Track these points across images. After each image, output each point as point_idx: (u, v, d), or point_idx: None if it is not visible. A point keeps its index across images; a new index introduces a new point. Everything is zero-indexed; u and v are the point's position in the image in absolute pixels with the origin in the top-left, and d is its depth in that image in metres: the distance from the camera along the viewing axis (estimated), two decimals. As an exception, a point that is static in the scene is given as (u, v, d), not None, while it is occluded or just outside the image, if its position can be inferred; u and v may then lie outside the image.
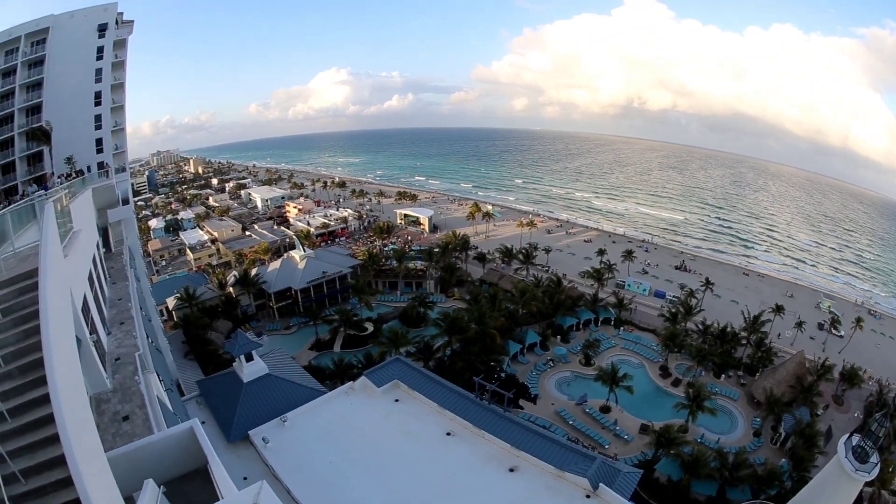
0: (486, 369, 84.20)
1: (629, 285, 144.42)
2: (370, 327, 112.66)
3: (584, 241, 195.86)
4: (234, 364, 56.42)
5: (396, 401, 50.01)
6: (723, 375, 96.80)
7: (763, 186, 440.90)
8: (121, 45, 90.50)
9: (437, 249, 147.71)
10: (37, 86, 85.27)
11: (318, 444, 44.10)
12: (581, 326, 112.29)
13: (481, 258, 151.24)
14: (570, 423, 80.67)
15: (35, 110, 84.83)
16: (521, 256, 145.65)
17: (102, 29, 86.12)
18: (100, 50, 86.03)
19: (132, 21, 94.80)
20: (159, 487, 11.70)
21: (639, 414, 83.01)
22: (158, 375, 30.47)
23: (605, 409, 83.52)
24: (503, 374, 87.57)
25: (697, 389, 78.93)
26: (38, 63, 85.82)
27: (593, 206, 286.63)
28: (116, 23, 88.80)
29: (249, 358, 54.71)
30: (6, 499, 10.93)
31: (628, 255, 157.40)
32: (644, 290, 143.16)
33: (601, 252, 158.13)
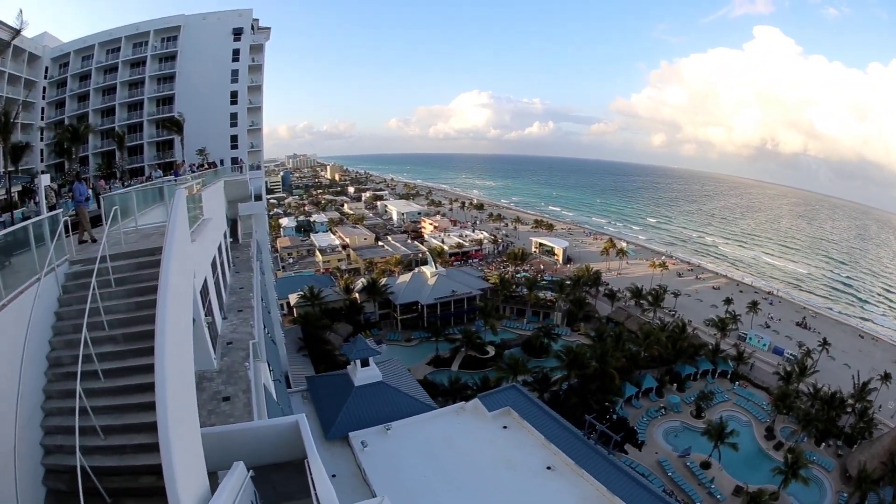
0: (600, 409, 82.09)
1: (750, 338, 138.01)
2: (491, 351, 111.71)
3: (713, 287, 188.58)
4: (348, 367, 57.21)
5: (505, 427, 49.20)
6: (823, 444, 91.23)
7: (885, 241, 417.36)
8: (257, 49, 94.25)
9: (568, 282, 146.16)
10: (168, 79, 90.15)
11: (416, 457, 43.87)
12: (698, 376, 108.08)
13: (611, 296, 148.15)
14: (669, 474, 77.89)
15: (167, 101, 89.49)
16: (649, 298, 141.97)
17: (237, 33, 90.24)
18: (235, 52, 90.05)
19: (269, 28, 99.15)
20: (248, 471, 11.70)
21: (736, 474, 79.15)
22: (269, 365, 30.94)
23: (706, 465, 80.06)
24: (615, 416, 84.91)
25: (796, 456, 74.61)
26: (170, 58, 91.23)
27: (722, 252, 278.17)
28: (252, 28, 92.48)
29: (365, 363, 55.22)
30: (79, 447, 11.15)
31: (753, 306, 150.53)
32: (764, 344, 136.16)
33: (727, 301, 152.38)
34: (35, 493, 13.24)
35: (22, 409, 12.63)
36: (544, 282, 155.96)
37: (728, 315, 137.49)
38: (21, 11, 49.42)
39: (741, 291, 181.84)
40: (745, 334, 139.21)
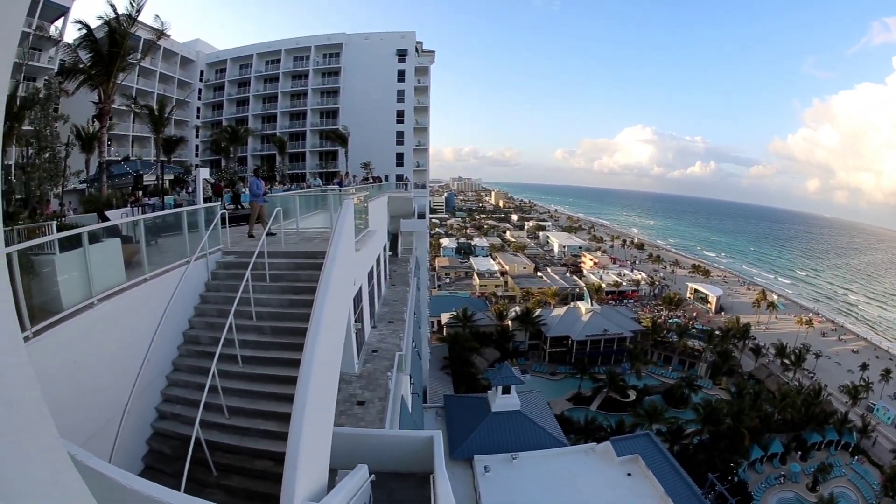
0: (724, 468, 78.55)
1: (878, 410, 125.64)
2: (633, 395, 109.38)
3: (852, 350, 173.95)
4: (488, 392, 57.01)
5: (629, 475, 47.76)
6: None
7: None
8: (422, 71, 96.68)
9: (717, 332, 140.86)
10: (332, 93, 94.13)
11: (535, 490, 43.09)
12: (823, 445, 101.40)
13: (756, 350, 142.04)
14: (776, 546, 73.93)
15: (330, 114, 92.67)
16: (791, 357, 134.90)
17: (402, 54, 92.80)
18: (400, 73, 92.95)
19: (433, 51, 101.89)
20: (370, 475, 11.58)
21: None
22: (411, 378, 31.00)
23: None
24: (736, 479, 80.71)
25: None
26: (333, 73, 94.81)
27: (862, 312, 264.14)
28: (416, 50, 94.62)
29: (506, 390, 54.48)
30: (199, 420, 11.33)
31: (885, 375, 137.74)
32: (889, 418, 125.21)
33: (863, 367, 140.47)
34: (135, 449, 13.96)
35: (145, 373, 13.21)
36: (694, 330, 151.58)
37: (862, 382, 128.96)
38: (157, 17, 52.79)
39: (878, 357, 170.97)
40: (874, 405, 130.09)
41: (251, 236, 24.85)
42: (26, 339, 10.48)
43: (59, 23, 71.28)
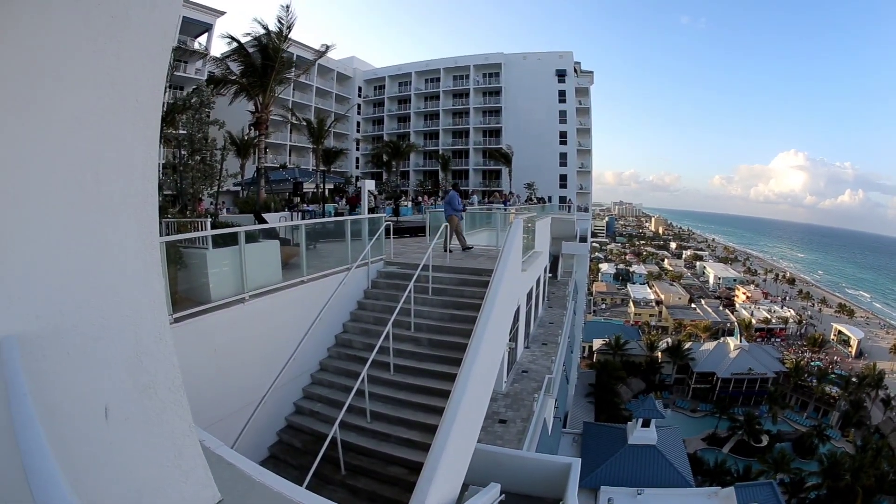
0: None
1: None
2: (765, 440, 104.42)
3: None
4: (628, 423, 56.18)
5: (744, 524, 47.17)
6: None
7: None
8: (583, 92, 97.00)
9: (854, 379, 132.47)
10: (493, 112, 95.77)
11: (651, 528, 42.87)
12: None
13: (886, 402, 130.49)
14: None
15: (493, 133, 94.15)
16: None
17: (561, 74, 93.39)
18: (561, 94, 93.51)
19: (592, 72, 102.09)
20: (500, 495, 11.60)
21: None
22: (556, 401, 30.93)
23: None
24: None
25: None
26: (494, 93, 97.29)
27: None
28: (575, 71, 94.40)
29: (646, 424, 53.69)
30: (340, 419, 11.63)
31: None
32: None
33: None
34: (265, 437, 14.64)
35: (290, 368, 14.20)
36: (833, 375, 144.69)
37: None
38: (325, 44, 54.97)
39: None
40: None
41: (447, 250, 24.79)
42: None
43: (202, 38, 77.72)
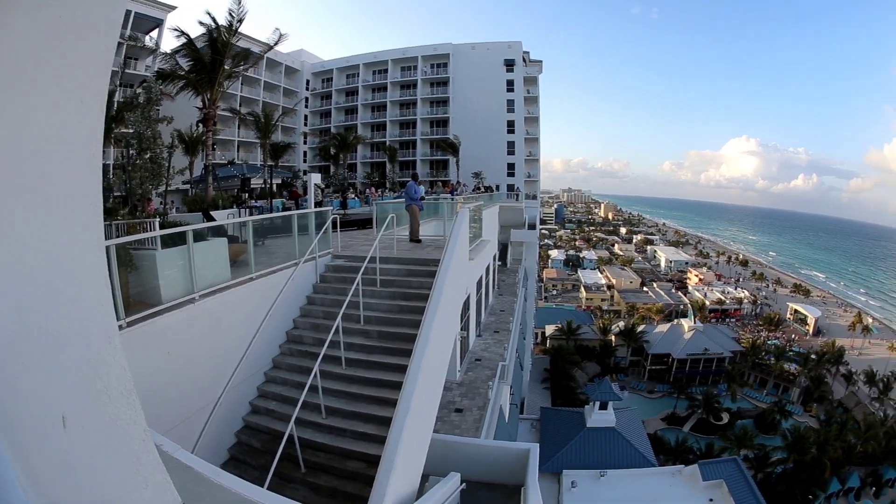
0: (802, 500, 77.16)
1: None
2: (725, 418, 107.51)
3: None
4: (585, 406, 56.86)
5: (711, 501, 47.64)
6: None
7: None
8: (531, 81, 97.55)
9: (813, 356, 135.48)
10: (441, 103, 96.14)
11: (617, 508, 43.30)
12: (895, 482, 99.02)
13: (847, 377, 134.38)
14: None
15: (440, 123, 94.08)
16: (880, 386, 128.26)
17: (509, 64, 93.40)
18: (509, 83, 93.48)
19: (541, 61, 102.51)
20: (461, 484, 11.69)
21: None
22: (511, 388, 31.11)
23: None
24: None
25: None
26: (442, 83, 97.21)
27: None
28: (524, 60, 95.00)
29: (603, 406, 54.46)
30: (295, 417, 11.65)
31: None
32: None
33: None
34: (223, 439, 14.39)
35: (243, 368, 13.84)
36: (791, 353, 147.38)
37: None
38: (278, 30, 54.17)
39: None
40: None
41: (417, 240, 25.43)
42: (119, 328, 11.01)
43: (153, 33, 76.93)
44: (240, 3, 46.40)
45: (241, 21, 46.99)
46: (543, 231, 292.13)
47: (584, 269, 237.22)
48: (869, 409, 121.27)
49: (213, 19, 46.48)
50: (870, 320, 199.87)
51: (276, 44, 57.31)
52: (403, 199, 26.73)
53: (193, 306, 13.45)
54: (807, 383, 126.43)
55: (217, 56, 46.19)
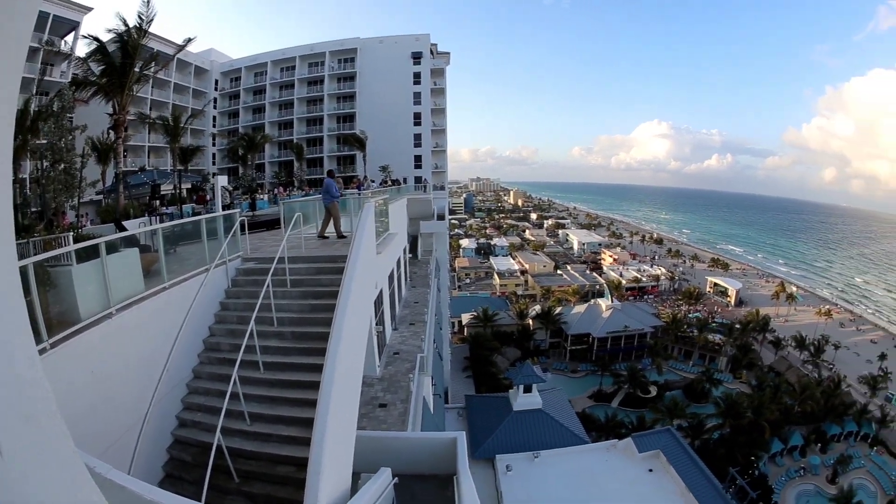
0: (745, 462, 77.89)
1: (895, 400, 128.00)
2: (654, 391, 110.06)
3: (871, 340, 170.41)
4: (509, 391, 57.32)
5: (650, 470, 47.79)
6: None
7: None
8: (438, 73, 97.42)
9: (737, 326, 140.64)
10: (348, 98, 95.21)
11: (557, 488, 43.28)
12: (842, 437, 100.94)
13: (776, 343, 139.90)
14: (792, 539, 72.91)
15: (347, 118, 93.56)
16: (811, 349, 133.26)
17: (417, 57, 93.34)
18: (416, 76, 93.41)
19: (448, 53, 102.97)
20: (393, 478, 11.63)
21: None
22: (432, 379, 31.13)
23: None
24: (757, 472, 79.52)
25: None
26: (348, 78, 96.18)
27: (884, 301, 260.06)
28: (431, 53, 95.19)
29: (528, 389, 54.98)
30: (220, 427, 11.43)
31: None
32: None
33: (882, 357, 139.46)
34: (156, 457, 14.09)
35: (165, 381, 13.36)
36: (714, 324, 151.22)
37: (880, 373, 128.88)
38: (191, 39, 53.55)
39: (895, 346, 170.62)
40: (893, 395, 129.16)
41: (323, 237, 25.47)
42: (43, 350, 10.74)
43: (69, 37, 73.04)
44: (148, 3, 45.44)
45: (150, 22, 46.05)
46: (453, 221, 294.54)
47: (496, 256, 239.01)
48: (802, 371, 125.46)
49: (124, 21, 45.45)
50: (794, 289, 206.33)
51: (185, 44, 56.26)
52: (320, 197, 26.63)
53: (111, 321, 13.13)
54: (733, 352, 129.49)
55: (127, 60, 45.19)
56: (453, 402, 62.85)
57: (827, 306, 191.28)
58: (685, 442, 59.37)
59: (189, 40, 54.82)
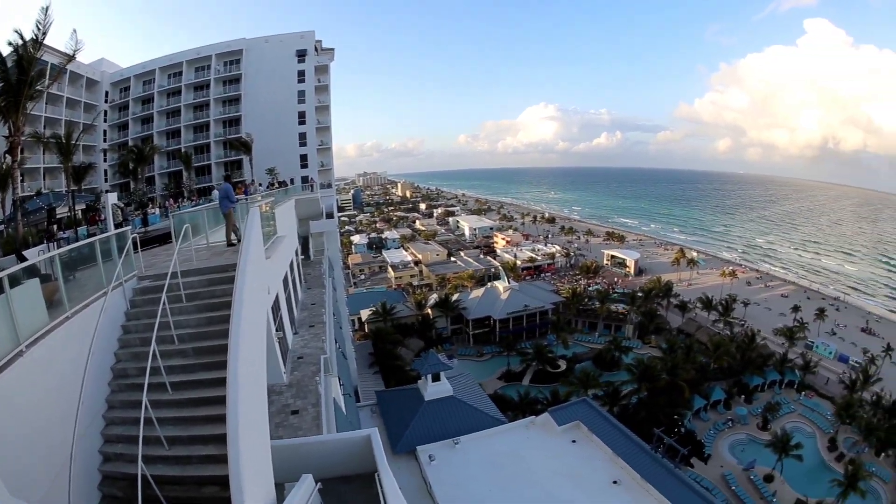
0: (668, 422, 79.33)
1: (817, 347, 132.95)
2: (563, 365, 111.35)
3: (782, 295, 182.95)
4: (418, 382, 57.45)
5: (573, 442, 48.68)
6: (882, 454, 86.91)
7: None
8: (322, 70, 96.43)
9: (640, 294, 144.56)
10: (234, 101, 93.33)
11: (483, 471, 43.73)
12: (766, 387, 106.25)
13: (682, 307, 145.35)
14: (733, 488, 76.42)
15: (233, 122, 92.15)
16: (719, 308, 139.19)
17: (301, 55, 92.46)
18: (301, 74, 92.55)
19: (332, 49, 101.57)
20: (316, 484, 11.69)
21: (798, 487, 77.23)
22: (340, 379, 31.13)
23: (769, 478, 77.96)
24: (683, 429, 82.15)
25: (856, 468, 72.27)
26: (234, 81, 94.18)
27: (787, 259, 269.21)
28: (316, 50, 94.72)
29: (436, 378, 55.43)
30: (140, 455, 11.30)
31: (820, 313, 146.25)
32: (830, 353, 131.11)
33: (795, 309, 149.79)
34: (90, 496, 13.63)
35: (82, 417, 12.93)
36: (616, 294, 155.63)
37: (796, 324, 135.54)
38: (75, 31, 50.39)
39: (808, 298, 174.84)
40: (813, 343, 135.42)
41: (231, 244, 25.14)
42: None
43: None
44: (46, 11, 43.43)
45: (45, 33, 44.22)
46: (343, 218, 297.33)
47: (389, 249, 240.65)
48: (713, 330, 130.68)
49: (21, 35, 43.44)
50: (694, 254, 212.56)
51: (72, 58, 54.09)
52: (209, 206, 26.37)
53: (23, 359, 12.60)
54: (639, 319, 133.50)
55: (23, 77, 43.23)
56: (365, 400, 62.72)
57: (731, 267, 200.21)
58: (603, 410, 60.67)
59: (77, 50, 52.72)
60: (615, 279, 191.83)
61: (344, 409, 26.87)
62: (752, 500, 75.36)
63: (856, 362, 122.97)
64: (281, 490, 11.24)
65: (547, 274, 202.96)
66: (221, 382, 10.52)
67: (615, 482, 42.93)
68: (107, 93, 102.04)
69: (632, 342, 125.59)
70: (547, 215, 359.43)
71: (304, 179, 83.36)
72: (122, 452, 14.18)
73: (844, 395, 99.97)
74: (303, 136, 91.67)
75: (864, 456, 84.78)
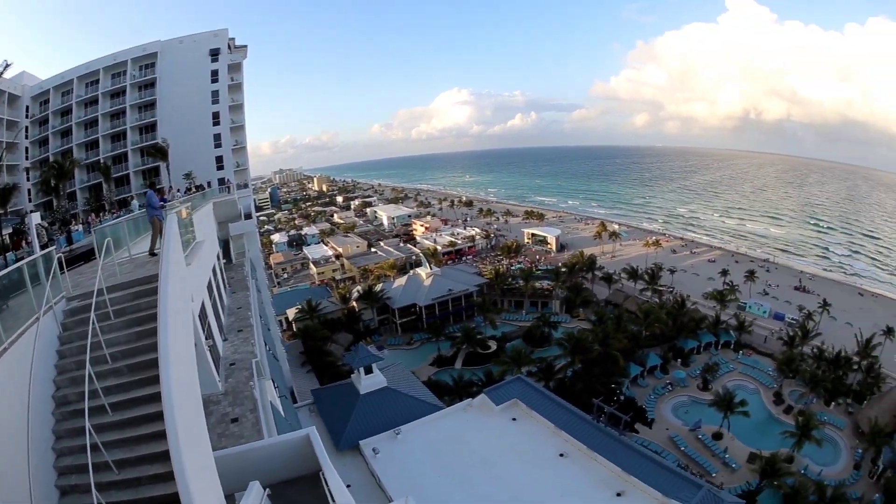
0: (606, 391, 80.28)
1: (750, 307, 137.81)
2: (493, 346, 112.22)
3: (709, 260, 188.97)
4: (352, 376, 57.53)
5: (514, 420, 49.57)
6: (832, 403, 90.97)
7: (877, 201, 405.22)
8: (236, 68, 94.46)
9: (563, 269, 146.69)
10: (149, 106, 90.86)
11: (429, 458, 44.21)
12: (702, 349, 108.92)
13: (608, 279, 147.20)
14: (682, 448, 78.46)
15: (150, 129, 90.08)
16: (646, 277, 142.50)
17: (215, 54, 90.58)
18: (214, 73, 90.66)
19: (245, 46, 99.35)
20: (264, 490, 11.92)
21: (749, 442, 79.77)
22: (274, 382, 31.16)
23: (717, 436, 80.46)
24: (622, 397, 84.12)
25: (807, 418, 75.47)
26: (149, 85, 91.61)
27: (712, 225, 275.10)
28: (229, 48, 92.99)
29: (369, 370, 55.76)
30: (94, 483, 11.31)
31: (750, 275, 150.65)
32: (764, 312, 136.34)
33: (724, 272, 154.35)
34: None
35: (33, 453, 12.81)
36: (539, 271, 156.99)
37: (726, 286, 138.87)
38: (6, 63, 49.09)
39: (737, 262, 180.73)
40: (745, 303, 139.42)
41: (153, 254, 24.30)
42: None
43: None
44: None
45: None
46: (262, 217, 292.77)
47: (309, 245, 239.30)
48: (641, 298, 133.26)
49: None
50: (615, 227, 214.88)
51: (3, 70, 52.29)
52: (129, 217, 26.12)
53: None
54: (565, 294, 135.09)
55: None
56: (302, 401, 62.64)
57: (655, 237, 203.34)
58: (539, 386, 61.41)
59: (6, 66, 50.88)
60: (537, 257, 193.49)
61: (282, 412, 27.02)
62: (703, 457, 77.29)
63: (792, 319, 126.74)
64: (232, 501, 11.43)
65: (468, 257, 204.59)
66: (157, 398, 10.60)
67: (561, 455, 44.01)
68: (27, 107, 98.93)
69: (560, 317, 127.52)
70: (464, 199, 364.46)
71: (221, 181, 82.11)
72: (77, 483, 13.71)
73: (784, 350, 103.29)
74: (217, 138, 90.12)
75: (814, 406, 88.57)
